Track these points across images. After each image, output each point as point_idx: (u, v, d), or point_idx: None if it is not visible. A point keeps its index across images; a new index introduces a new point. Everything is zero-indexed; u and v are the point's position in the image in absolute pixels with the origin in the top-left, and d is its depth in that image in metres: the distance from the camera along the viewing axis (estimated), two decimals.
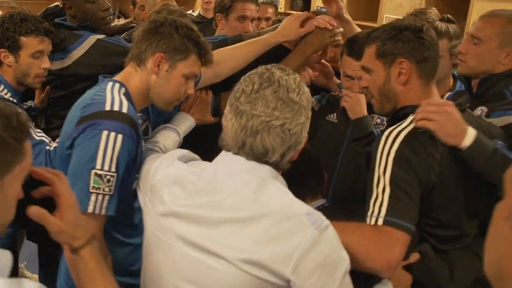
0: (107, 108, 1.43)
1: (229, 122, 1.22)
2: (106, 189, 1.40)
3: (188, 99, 1.89)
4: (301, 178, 1.69)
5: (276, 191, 1.18)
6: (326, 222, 1.13)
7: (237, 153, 1.22)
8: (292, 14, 2.27)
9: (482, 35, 1.89)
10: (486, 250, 0.72)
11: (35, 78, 2.18)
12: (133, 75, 1.59)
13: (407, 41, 1.54)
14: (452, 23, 2.26)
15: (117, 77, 1.61)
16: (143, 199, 1.36)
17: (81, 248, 1.11)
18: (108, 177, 1.40)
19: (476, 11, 3.31)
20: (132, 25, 3.13)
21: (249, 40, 2.08)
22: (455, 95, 2.17)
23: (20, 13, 2.18)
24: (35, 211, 1.04)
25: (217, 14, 2.63)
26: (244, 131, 1.19)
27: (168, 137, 1.78)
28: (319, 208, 1.29)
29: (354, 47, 2.08)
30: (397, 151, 1.41)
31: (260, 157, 1.20)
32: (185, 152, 1.39)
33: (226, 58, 1.98)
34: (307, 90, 1.26)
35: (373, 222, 1.34)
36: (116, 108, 1.44)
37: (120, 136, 1.40)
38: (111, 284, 1.14)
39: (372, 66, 1.61)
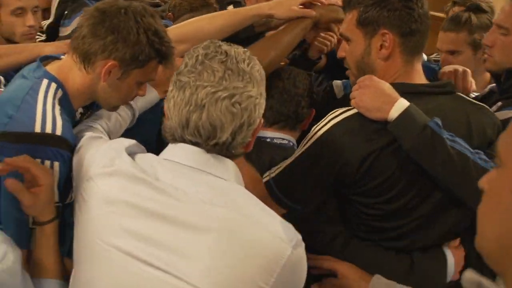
0: (37, 128, 1.24)
1: (170, 100, 1.08)
2: None
3: None
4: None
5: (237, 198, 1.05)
6: (299, 237, 1.03)
7: (181, 136, 1.08)
8: None
9: (508, 24, 1.66)
10: (484, 225, 0.67)
11: (22, 36, 2.10)
12: (74, 73, 1.35)
13: (393, 9, 1.35)
14: (481, 13, 2.05)
15: (55, 68, 1.37)
16: (76, 194, 1.20)
17: (47, 223, 1.22)
18: None
19: None
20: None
21: (228, 10, 1.81)
22: (490, 92, 1.88)
23: None
24: (12, 183, 1.15)
25: None
26: (188, 106, 1.05)
27: (116, 112, 1.50)
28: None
29: None
30: (326, 132, 1.35)
31: (207, 137, 1.05)
32: (133, 142, 1.19)
33: (194, 35, 1.65)
34: (259, 64, 1.14)
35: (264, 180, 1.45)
36: (48, 129, 1.25)
37: (56, 164, 1.25)
38: (61, 261, 1.24)
39: (351, 35, 1.44)
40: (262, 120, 1.14)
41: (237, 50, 1.11)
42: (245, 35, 1.79)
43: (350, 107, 1.38)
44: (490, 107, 1.44)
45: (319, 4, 1.76)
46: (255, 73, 1.10)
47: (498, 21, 1.70)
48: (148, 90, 1.55)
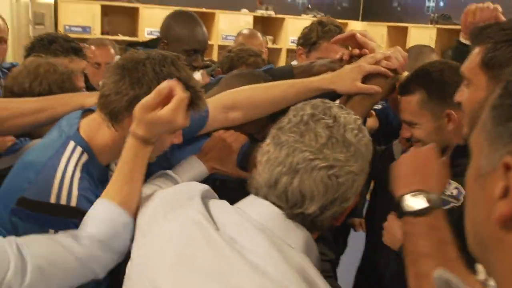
0: (52, 199, 1.22)
1: (264, 155, 0.99)
2: None
3: (210, 138, 1.54)
4: None
5: None
6: None
7: (265, 195, 0.98)
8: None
9: None
10: (466, 222, 0.65)
11: None
12: (104, 130, 1.31)
13: None
14: None
15: (86, 126, 1.33)
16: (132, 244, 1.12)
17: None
18: None
19: None
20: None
21: (286, 81, 1.61)
22: None
23: (49, 35, 2.16)
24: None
25: (300, 46, 2.47)
26: (281, 166, 0.95)
27: (157, 185, 1.37)
28: None
29: None
30: None
31: (293, 204, 0.95)
32: (207, 187, 1.12)
33: (248, 103, 1.54)
34: (368, 136, 1.03)
35: None
36: (63, 200, 1.22)
37: None
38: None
39: (471, 76, 1.20)
40: (357, 198, 1.02)
41: (347, 116, 1.00)
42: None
43: None
44: None
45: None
46: (362, 147, 0.99)
47: None
48: (197, 165, 1.47)
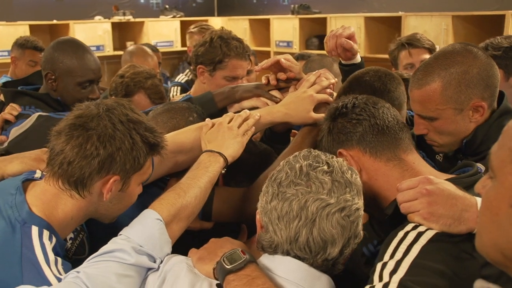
0: None
1: (272, 212, 1.01)
2: None
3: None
4: None
5: None
6: None
7: (287, 251, 1.01)
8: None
9: (430, 112, 1.46)
10: (482, 231, 0.77)
11: None
12: (64, 201, 1.17)
13: None
14: None
15: (37, 202, 1.16)
16: None
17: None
18: None
19: None
20: None
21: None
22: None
23: None
24: None
25: (200, 65, 2.26)
26: (296, 220, 0.99)
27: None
28: None
29: None
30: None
31: (317, 253, 1.00)
32: None
33: (196, 145, 1.42)
34: (357, 174, 1.09)
35: None
36: None
37: None
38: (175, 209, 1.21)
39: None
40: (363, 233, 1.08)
41: (336, 160, 1.07)
42: (208, 113, 1.64)
43: (414, 224, 1.06)
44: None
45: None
46: (358, 183, 1.06)
47: (418, 112, 1.50)
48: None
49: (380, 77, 1.58)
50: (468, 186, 1.11)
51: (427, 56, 2.56)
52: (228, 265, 1.00)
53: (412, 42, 2.63)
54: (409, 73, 2.24)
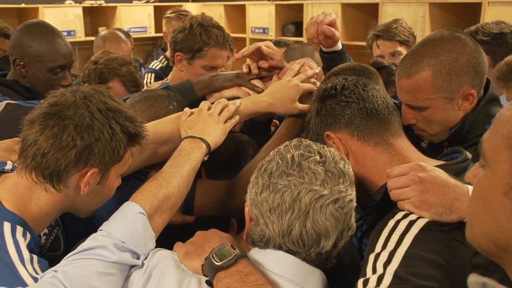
0: None
1: (263, 204, 0.98)
2: None
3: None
4: None
5: None
6: None
7: (279, 244, 0.98)
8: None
9: (419, 102, 1.44)
10: (473, 221, 0.75)
11: None
12: (38, 195, 1.10)
13: None
14: None
15: (8, 197, 1.10)
16: None
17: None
18: None
19: (490, 19, 3.06)
20: None
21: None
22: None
23: None
24: None
25: (178, 52, 2.18)
26: (289, 212, 0.95)
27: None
28: None
29: None
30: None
31: (310, 246, 0.97)
32: None
33: (175, 136, 1.36)
34: (349, 164, 1.07)
35: None
36: None
37: None
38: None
39: None
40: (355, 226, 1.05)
41: (330, 150, 1.04)
42: (187, 101, 1.58)
43: (404, 213, 1.04)
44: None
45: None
46: (351, 174, 1.03)
47: (407, 101, 1.46)
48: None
49: (359, 75, 1.54)
50: (458, 173, 1.10)
51: (398, 48, 2.56)
52: (218, 262, 0.95)
53: (382, 34, 2.61)
54: (388, 60, 2.23)
